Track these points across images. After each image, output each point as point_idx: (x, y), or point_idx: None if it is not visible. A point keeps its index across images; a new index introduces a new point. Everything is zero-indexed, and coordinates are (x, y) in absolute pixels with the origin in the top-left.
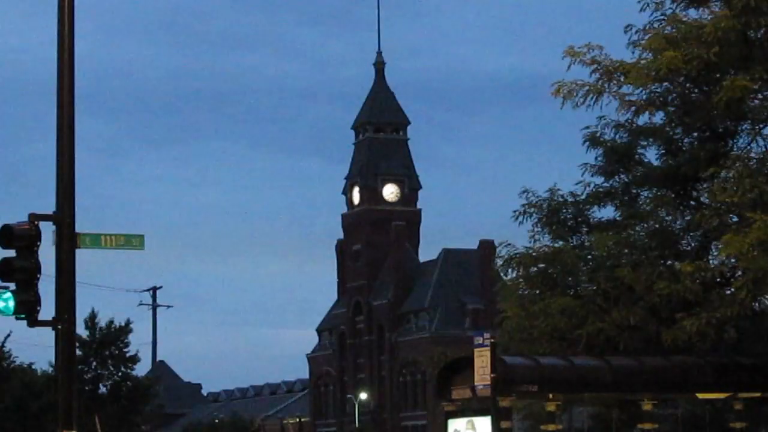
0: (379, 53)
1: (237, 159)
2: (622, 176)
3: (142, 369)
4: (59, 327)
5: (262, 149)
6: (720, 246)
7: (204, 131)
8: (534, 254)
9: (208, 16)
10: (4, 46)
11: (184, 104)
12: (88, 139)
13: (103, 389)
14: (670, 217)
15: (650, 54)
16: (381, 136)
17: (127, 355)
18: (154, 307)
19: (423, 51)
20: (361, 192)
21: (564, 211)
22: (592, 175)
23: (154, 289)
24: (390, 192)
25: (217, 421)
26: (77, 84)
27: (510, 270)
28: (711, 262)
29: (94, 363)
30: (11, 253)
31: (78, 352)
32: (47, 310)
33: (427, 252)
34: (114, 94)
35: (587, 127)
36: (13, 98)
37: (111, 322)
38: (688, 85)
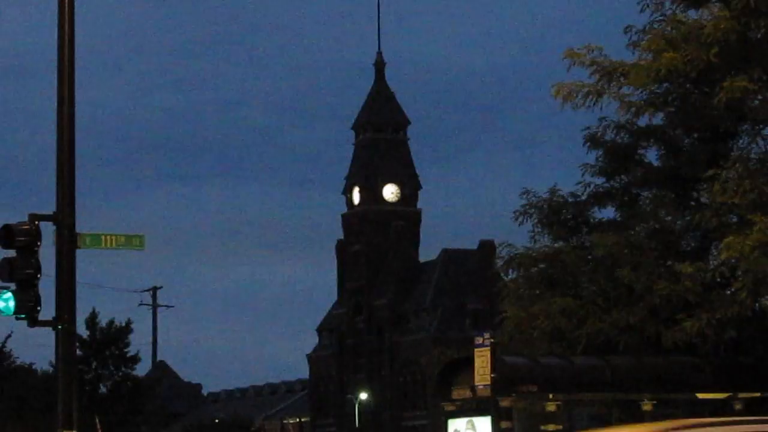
0: (379, 53)
1: (236, 159)
2: (622, 177)
3: (142, 369)
4: (59, 327)
5: (261, 149)
6: (721, 247)
7: (203, 132)
8: (534, 254)
9: (206, 15)
10: (5, 46)
11: (181, 109)
12: (87, 145)
13: (103, 389)
14: (670, 218)
15: (650, 55)
16: (381, 136)
17: (128, 355)
18: (154, 307)
19: (423, 51)
20: (361, 192)
21: (564, 211)
22: (592, 176)
23: (154, 289)
24: (390, 192)
25: (217, 421)
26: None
27: (510, 270)
28: (711, 262)
29: (95, 363)
30: (11, 253)
31: (78, 352)
32: (47, 310)
33: (427, 252)
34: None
35: (587, 128)
36: (13, 98)
37: (111, 322)
38: (688, 86)
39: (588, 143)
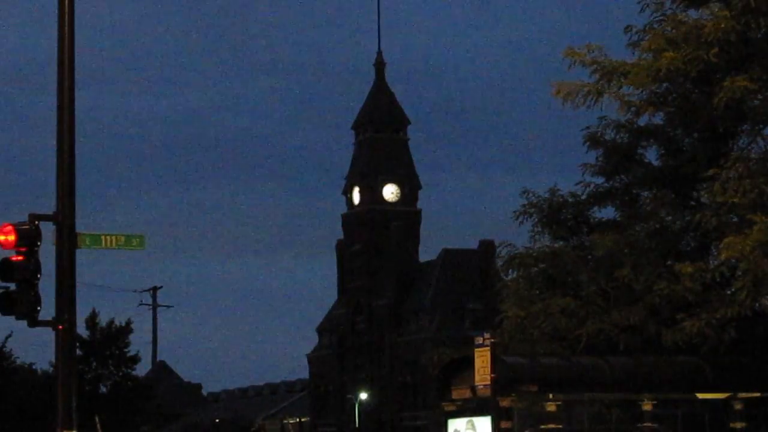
0: (379, 53)
1: (236, 159)
2: (622, 176)
3: (142, 369)
4: (59, 327)
5: (261, 149)
6: (721, 247)
7: (203, 133)
8: (534, 254)
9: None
10: (6, 47)
11: (181, 110)
12: (87, 145)
13: (103, 389)
14: (670, 218)
15: (650, 55)
16: (381, 136)
17: (128, 355)
18: (154, 307)
19: (423, 51)
20: (361, 192)
21: (564, 211)
22: (592, 176)
23: (154, 289)
24: (390, 192)
25: (217, 421)
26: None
27: (510, 270)
28: (711, 262)
29: (94, 363)
30: (11, 253)
31: (78, 352)
32: (47, 310)
33: (427, 252)
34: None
35: (588, 128)
36: (13, 98)
37: (111, 322)
38: (688, 86)
39: (588, 143)
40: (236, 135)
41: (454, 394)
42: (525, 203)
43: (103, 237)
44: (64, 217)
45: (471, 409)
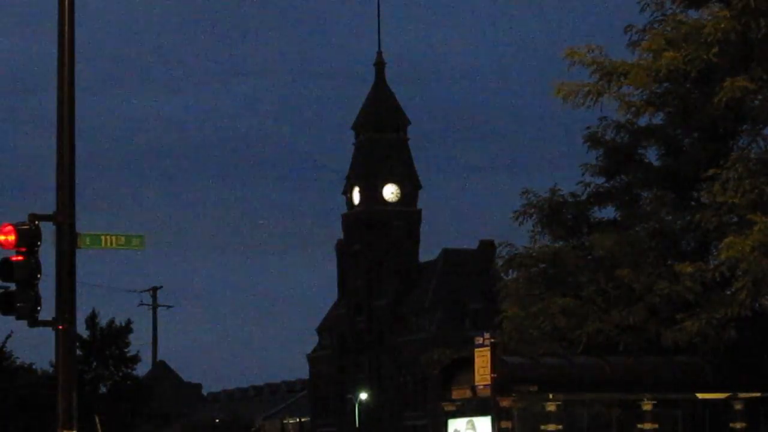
0: (379, 53)
1: (236, 159)
2: (622, 176)
3: (142, 369)
4: (59, 327)
5: (261, 149)
6: (721, 247)
7: (203, 133)
8: (534, 254)
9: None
10: (6, 47)
11: (182, 110)
12: (87, 146)
13: (103, 389)
14: (670, 218)
15: (650, 55)
16: (381, 136)
17: (128, 355)
18: (154, 307)
19: (423, 51)
20: (361, 192)
21: (564, 211)
22: (592, 175)
23: (154, 289)
24: (390, 192)
25: (217, 421)
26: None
27: (510, 270)
28: (711, 262)
29: (95, 363)
30: (11, 253)
31: (78, 352)
32: (47, 310)
33: (427, 252)
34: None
35: (588, 128)
36: (13, 98)
37: (111, 322)
38: (688, 86)
39: (588, 143)
40: (236, 135)
41: (454, 394)
42: (525, 203)
43: (103, 237)
44: (64, 217)
45: (471, 409)
